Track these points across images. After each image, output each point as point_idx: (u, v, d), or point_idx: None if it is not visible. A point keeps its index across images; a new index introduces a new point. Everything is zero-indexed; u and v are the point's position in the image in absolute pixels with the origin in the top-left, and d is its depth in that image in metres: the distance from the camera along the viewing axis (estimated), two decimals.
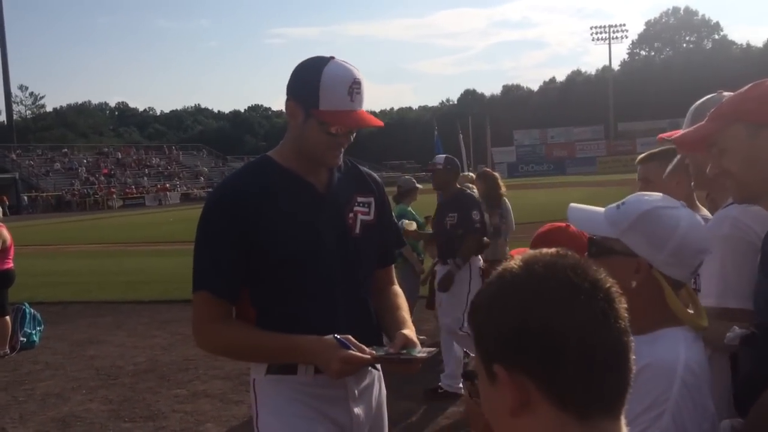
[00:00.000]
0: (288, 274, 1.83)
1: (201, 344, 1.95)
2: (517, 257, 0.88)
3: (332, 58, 1.81)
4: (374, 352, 1.77)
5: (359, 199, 1.97)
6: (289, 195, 1.85)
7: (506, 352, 0.81)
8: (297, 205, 1.85)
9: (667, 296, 1.34)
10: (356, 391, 1.90)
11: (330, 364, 1.74)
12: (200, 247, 1.85)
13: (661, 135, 1.76)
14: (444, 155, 5.72)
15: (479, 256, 5.41)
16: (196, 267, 1.84)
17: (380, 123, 1.92)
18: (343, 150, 1.86)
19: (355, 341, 1.77)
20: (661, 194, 1.45)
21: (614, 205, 1.43)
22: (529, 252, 0.88)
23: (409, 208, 6.75)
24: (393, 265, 2.16)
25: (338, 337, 1.76)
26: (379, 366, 1.93)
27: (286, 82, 1.84)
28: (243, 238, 1.79)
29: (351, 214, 1.94)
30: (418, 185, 6.88)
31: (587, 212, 1.48)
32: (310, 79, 1.78)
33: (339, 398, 1.88)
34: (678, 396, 1.25)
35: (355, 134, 1.87)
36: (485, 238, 5.44)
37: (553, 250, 0.87)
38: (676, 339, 1.34)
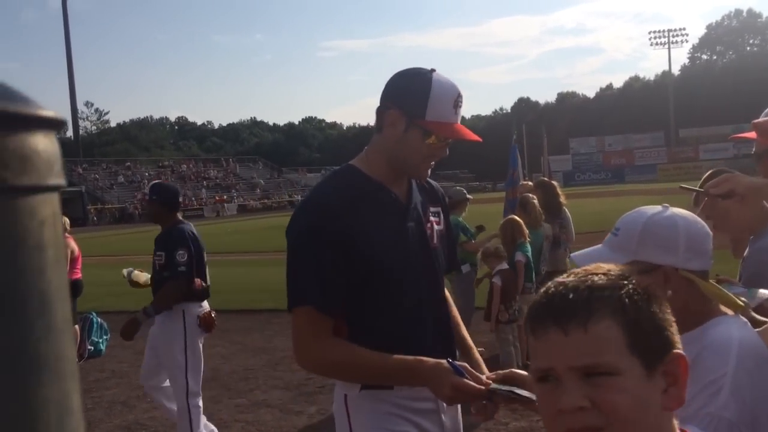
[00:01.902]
0: (382, 287, 1.82)
1: (305, 362, 1.86)
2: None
3: (434, 70, 1.82)
4: (490, 383, 1.70)
5: (431, 209, 1.98)
6: (380, 207, 1.84)
7: (673, 336, 0.92)
8: (387, 217, 1.84)
9: (702, 288, 1.37)
10: (444, 403, 1.89)
11: (442, 389, 1.70)
12: (301, 260, 1.79)
13: (734, 135, 1.69)
14: (157, 182, 5.15)
15: (201, 304, 4.66)
16: (297, 281, 1.79)
17: (479, 138, 1.96)
18: (433, 163, 1.88)
19: (471, 369, 1.73)
20: (646, 206, 1.48)
21: (609, 235, 1.48)
22: None
23: (460, 219, 6.69)
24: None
25: (452, 362, 1.73)
26: None
27: (385, 92, 1.85)
28: (344, 250, 1.76)
29: (428, 225, 1.94)
30: (469, 196, 6.82)
31: (591, 252, 1.51)
32: (420, 89, 1.77)
33: (431, 410, 1.86)
34: (734, 371, 1.26)
35: (448, 150, 1.88)
36: (200, 281, 4.71)
37: None
38: (726, 323, 1.38)
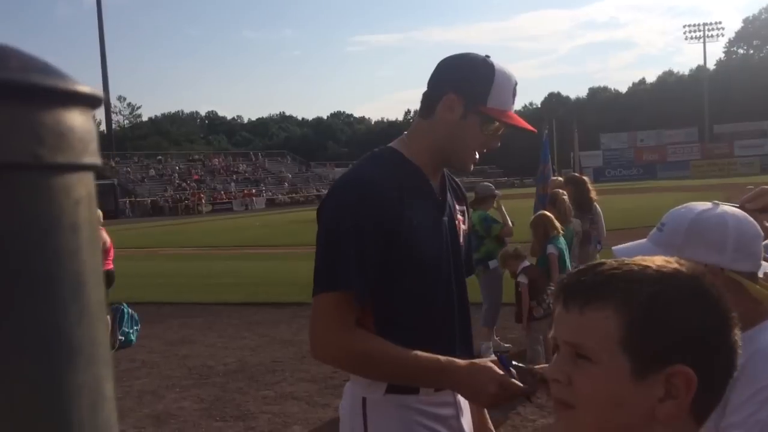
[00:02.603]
0: (417, 280, 1.70)
1: (326, 352, 1.69)
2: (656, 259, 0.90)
3: (488, 56, 1.75)
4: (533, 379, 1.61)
5: (458, 207, 1.91)
6: (420, 195, 1.73)
7: (690, 350, 0.84)
8: (425, 209, 1.73)
9: (749, 290, 1.33)
10: (461, 406, 1.82)
11: (487, 387, 1.59)
12: (335, 241, 1.64)
13: None
14: None
15: None
16: (327, 264, 1.64)
17: (534, 129, 1.86)
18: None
19: (519, 364, 1.64)
20: (695, 202, 1.43)
21: (654, 230, 1.44)
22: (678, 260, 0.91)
23: (489, 213, 6.64)
24: None
25: (500, 355, 1.66)
26: None
27: (440, 74, 1.74)
28: (384, 236, 1.63)
29: (457, 222, 1.88)
30: (497, 192, 6.76)
31: (634, 247, 1.46)
32: (483, 74, 1.69)
33: (451, 416, 1.77)
34: None
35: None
36: None
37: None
38: None
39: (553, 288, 5.89)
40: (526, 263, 5.97)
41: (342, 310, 1.63)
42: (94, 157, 0.39)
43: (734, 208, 1.40)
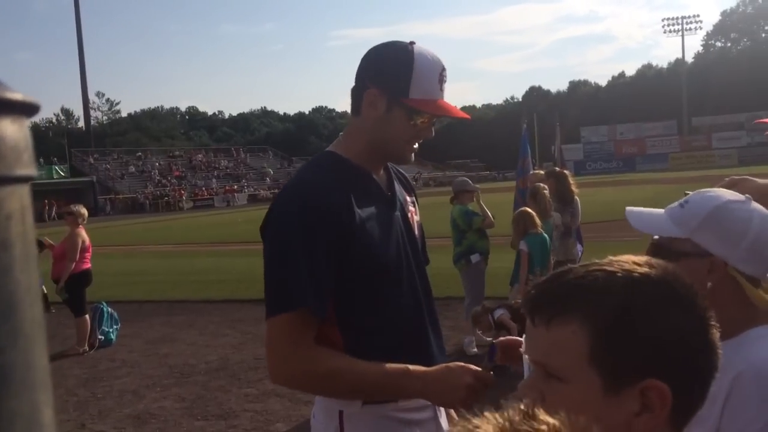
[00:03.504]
0: (381, 284, 1.64)
1: (287, 376, 1.60)
2: (626, 262, 0.84)
3: (413, 43, 1.65)
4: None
5: (408, 199, 1.84)
6: (366, 196, 1.65)
7: (663, 360, 0.78)
8: (376, 207, 1.66)
9: (747, 292, 1.27)
10: (441, 408, 1.77)
11: (460, 380, 1.56)
12: (282, 260, 1.56)
13: (758, 120, 1.62)
14: None
15: None
16: (278, 284, 1.56)
17: (466, 115, 1.80)
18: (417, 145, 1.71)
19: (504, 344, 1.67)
20: (726, 190, 1.37)
21: (676, 204, 1.36)
22: (648, 260, 0.84)
23: (469, 207, 6.66)
24: None
25: (492, 344, 1.67)
26: None
27: (361, 69, 1.67)
28: (335, 246, 1.56)
29: (409, 215, 1.80)
30: (476, 186, 6.77)
31: (648, 215, 1.41)
32: (401, 64, 1.60)
33: (429, 419, 1.72)
34: None
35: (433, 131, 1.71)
36: None
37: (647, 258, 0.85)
38: (766, 338, 1.26)
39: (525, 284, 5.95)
40: (500, 311, 6.00)
41: (299, 330, 1.55)
42: (28, 169, 0.37)
43: (766, 210, 1.33)
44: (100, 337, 7.77)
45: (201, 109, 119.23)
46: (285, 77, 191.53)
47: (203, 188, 59.24)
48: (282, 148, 79.78)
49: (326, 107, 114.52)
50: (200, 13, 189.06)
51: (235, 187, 60.46)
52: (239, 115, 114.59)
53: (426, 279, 1.80)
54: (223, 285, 11.50)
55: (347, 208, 1.59)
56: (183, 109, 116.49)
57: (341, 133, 1.78)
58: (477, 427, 0.57)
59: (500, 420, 0.57)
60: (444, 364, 1.63)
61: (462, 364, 1.62)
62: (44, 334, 0.37)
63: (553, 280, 0.85)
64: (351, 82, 1.74)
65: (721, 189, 1.39)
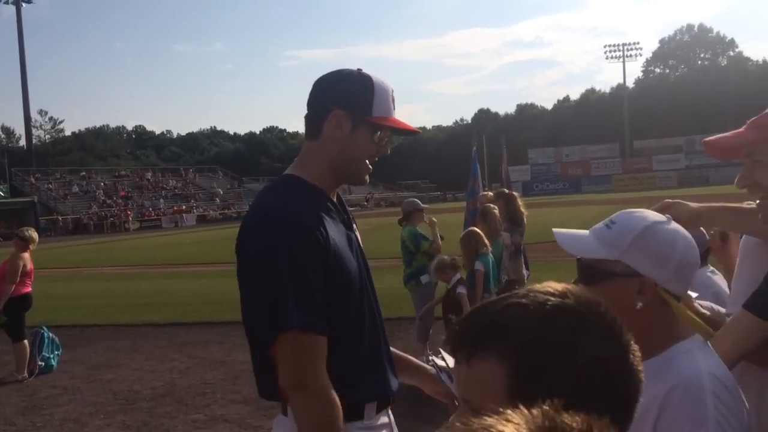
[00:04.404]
0: (347, 299, 1.70)
1: (318, 390, 1.60)
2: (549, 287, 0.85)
3: (360, 69, 1.81)
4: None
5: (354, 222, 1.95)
6: (331, 217, 1.74)
7: (581, 390, 0.77)
8: (338, 228, 1.75)
9: (675, 310, 1.30)
10: (392, 421, 1.87)
11: None
12: (285, 281, 1.58)
13: (705, 139, 1.70)
14: None
15: None
16: (284, 304, 1.57)
17: (418, 130, 1.99)
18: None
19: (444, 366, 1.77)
20: (649, 211, 1.42)
21: (601, 225, 1.37)
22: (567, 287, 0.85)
23: (417, 229, 6.71)
24: None
25: (437, 367, 1.73)
26: None
27: (321, 94, 1.78)
28: (320, 265, 1.63)
29: (358, 236, 1.88)
30: (423, 206, 6.84)
31: (575, 236, 1.42)
32: (362, 86, 1.75)
33: (386, 425, 1.82)
34: (715, 412, 1.19)
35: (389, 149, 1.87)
36: None
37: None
38: (690, 352, 1.29)
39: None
40: (458, 276, 6.06)
41: (317, 347, 1.60)
42: None
43: (686, 231, 1.39)
44: (40, 363, 7.49)
45: (149, 128, 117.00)
46: (235, 97, 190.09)
47: (150, 209, 58.00)
48: (232, 169, 78.91)
49: (277, 127, 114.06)
50: (149, 32, 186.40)
51: (184, 207, 59.41)
52: (188, 134, 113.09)
53: (376, 297, 1.85)
54: (170, 308, 11.25)
55: (322, 231, 1.65)
56: (130, 128, 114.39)
57: (296, 158, 1.84)
58: (508, 420, 0.58)
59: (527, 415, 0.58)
60: None
61: None
62: None
63: (471, 318, 0.85)
64: (303, 103, 1.80)
65: (644, 210, 1.43)
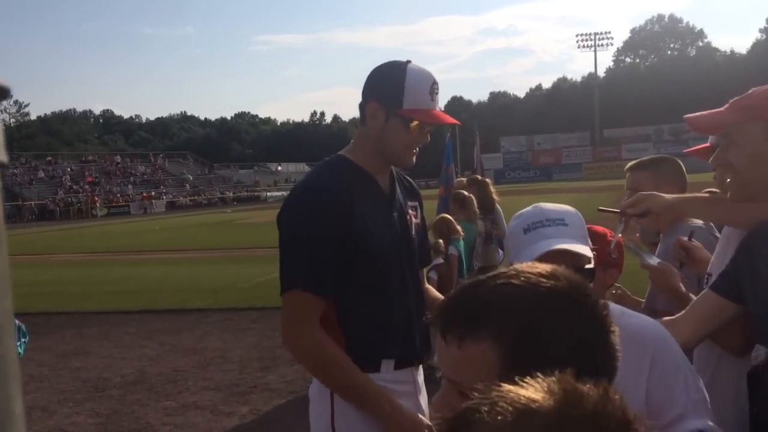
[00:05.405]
0: (371, 272, 1.87)
1: (297, 346, 1.88)
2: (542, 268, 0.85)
3: (409, 61, 1.91)
4: None
5: (409, 203, 2.08)
6: (369, 195, 1.92)
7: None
8: (376, 206, 1.92)
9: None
10: (420, 384, 2.02)
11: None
12: (295, 244, 1.85)
13: (687, 116, 1.71)
14: None
15: None
16: (294, 266, 1.84)
17: (458, 122, 2.11)
18: (417, 150, 1.94)
19: None
20: (541, 203, 1.54)
21: (555, 226, 1.46)
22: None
23: None
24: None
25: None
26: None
27: (365, 86, 1.94)
28: (340, 235, 1.82)
29: (408, 217, 2.03)
30: None
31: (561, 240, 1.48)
32: (395, 79, 1.87)
33: (410, 392, 1.96)
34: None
35: (430, 135, 1.97)
36: None
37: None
38: (624, 312, 1.50)
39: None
40: (440, 260, 6.06)
41: (307, 307, 1.83)
42: (1, 155, 0.34)
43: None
44: None
45: (117, 112, 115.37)
46: (206, 82, 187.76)
47: (118, 195, 57.09)
48: (203, 154, 77.96)
49: (249, 113, 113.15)
50: (118, 14, 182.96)
51: (153, 193, 58.58)
52: (158, 119, 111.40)
53: (416, 274, 2.03)
54: (139, 295, 11.10)
55: (348, 207, 1.84)
56: (97, 112, 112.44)
57: (352, 140, 2.05)
58: (527, 384, 0.59)
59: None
60: (417, 414, 1.88)
61: (429, 424, 1.82)
62: (13, 326, 0.34)
63: (461, 298, 0.84)
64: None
65: (541, 203, 1.54)
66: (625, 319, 1.36)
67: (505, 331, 0.79)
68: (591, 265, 1.41)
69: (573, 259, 1.36)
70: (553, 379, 0.60)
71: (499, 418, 0.56)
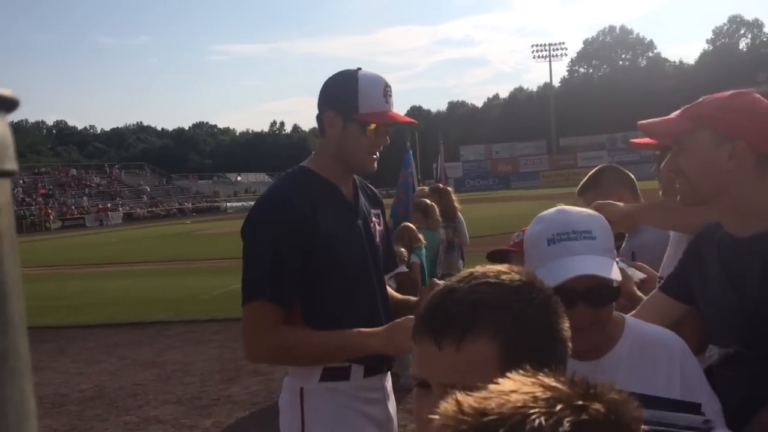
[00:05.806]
0: (336, 279, 1.89)
1: (257, 352, 1.91)
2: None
3: (360, 68, 1.95)
4: None
5: (372, 211, 2.11)
6: (333, 204, 1.94)
7: (551, 361, 0.80)
8: (341, 214, 1.95)
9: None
10: (389, 391, 2.03)
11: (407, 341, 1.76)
12: (257, 255, 1.86)
13: (640, 122, 1.77)
14: None
15: None
16: (253, 275, 1.85)
17: (415, 121, 2.19)
18: (378, 155, 1.97)
19: None
20: (566, 205, 1.51)
21: (580, 240, 1.34)
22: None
23: None
24: None
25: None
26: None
27: (319, 98, 1.96)
28: (304, 246, 1.84)
29: (371, 224, 2.07)
30: None
31: (596, 261, 1.36)
32: (348, 86, 1.91)
33: (379, 399, 1.98)
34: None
35: (389, 138, 1.98)
36: None
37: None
38: (638, 323, 1.50)
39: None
40: (403, 269, 6.09)
41: (266, 315, 1.83)
42: (11, 164, 0.37)
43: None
44: None
45: (70, 123, 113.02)
46: (163, 92, 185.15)
47: (73, 207, 55.76)
48: (160, 165, 76.75)
49: (207, 123, 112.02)
50: (71, 23, 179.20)
51: (109, 205, 57.40)
52: (113, 130, 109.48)
53: (383, 281, 2.07)
54: (97, 309, 10.87)
55: (311, 217, 1.86)
56: (50, 123, 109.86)
57: (313, 152, 2.07)
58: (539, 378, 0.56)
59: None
60: (391, 323, 1.86)
61: (406, 317, 1.81)
62: (26, 326, 0.37)
63: (446, 303, 0.86)
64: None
65: (567, 206, 1.51)
66: (647, 328, 1.43)
67: (500, 326, 0.83)
68: (618, 281, 1.33)
69: (602, 279, 1.30)
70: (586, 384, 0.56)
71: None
